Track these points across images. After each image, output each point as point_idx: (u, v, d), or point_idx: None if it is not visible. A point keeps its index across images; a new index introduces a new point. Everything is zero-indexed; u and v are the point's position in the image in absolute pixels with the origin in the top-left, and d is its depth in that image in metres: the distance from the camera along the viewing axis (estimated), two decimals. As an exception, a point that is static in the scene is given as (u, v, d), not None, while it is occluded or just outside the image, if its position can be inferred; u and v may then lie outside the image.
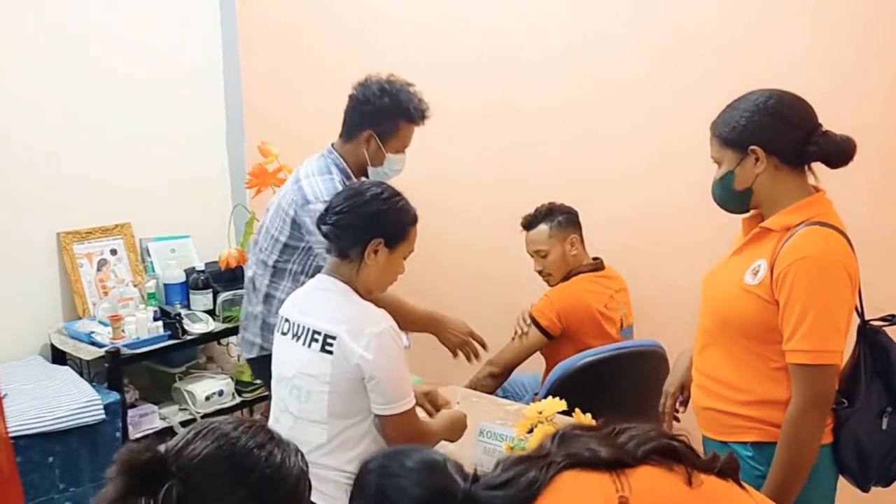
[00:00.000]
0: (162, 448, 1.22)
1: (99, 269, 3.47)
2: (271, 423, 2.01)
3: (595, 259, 2.89)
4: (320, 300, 2.00)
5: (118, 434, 2.98)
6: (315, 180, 2.53)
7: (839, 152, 1.80)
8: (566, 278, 2.85)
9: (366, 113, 2.56)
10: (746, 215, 1.96)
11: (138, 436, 3.18)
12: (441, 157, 3.40)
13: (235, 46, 3.97)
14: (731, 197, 1.89)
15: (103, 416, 2.90)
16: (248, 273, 2.78)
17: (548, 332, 2.75)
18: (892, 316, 1.89)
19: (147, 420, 3.23)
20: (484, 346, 2.68)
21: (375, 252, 1.95)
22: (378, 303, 2.19)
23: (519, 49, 3.25)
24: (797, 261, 1.73)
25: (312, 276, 2.41)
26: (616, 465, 1.33)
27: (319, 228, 2.02)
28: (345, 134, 2.62)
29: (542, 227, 2.84)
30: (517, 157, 3.33)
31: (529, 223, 2.88)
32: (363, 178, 2.47)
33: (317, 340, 1.93)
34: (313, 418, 1.94)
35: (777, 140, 1.80)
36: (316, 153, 2.65)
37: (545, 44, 3.19)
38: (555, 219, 2.84)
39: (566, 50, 3.15)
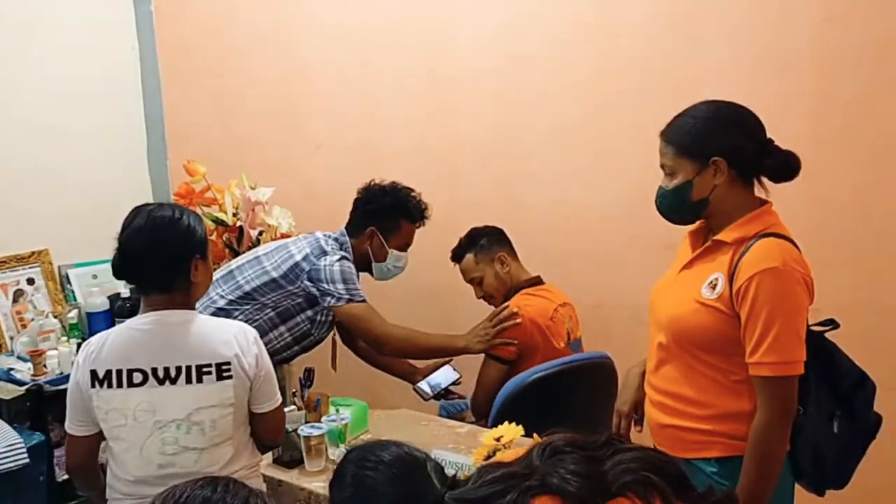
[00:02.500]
0: None
1: (15, 301, 3.29)
2: (159, 470, 1.93)
3: (535, 276, 2.87)
4: (182, 334, 1.95)
5: (42, 478, 2.81)
6: (332, 243, 2.78)
7: (789, 166, 1.81)
8: (508, 297, 2.81)
9: (368, 212, 2.82)
10: (691, 227, 1.96)
11: (66, 477, 3.01)
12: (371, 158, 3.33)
13: (155, 60, 3.81)
14: (684, 207, 1.86)
15: (27, 460, 2.72)
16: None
17: (504, 360, 2.71)
18: (832, 321, 1.90)
19: (75, 459, 3.04)
20: (513, 314, 2.72)
21: (196, 269, 1.97)
22: (392, 336, 2.71)
23: (448, 51, 3.20)
24: (758, 274, 1.72)
25: (281, 315, 2.74)
26: (587, 500, 1.26)
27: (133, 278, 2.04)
28: (350, 230, 2.85)
29: (469, 256, 2.88)
30: (454, 160, 3.27)
31: (456, 256, 2.93)
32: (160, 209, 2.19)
33: (208, 373, 1.93)
34: (222, 440, 1.97)
35: (737, 151, 1.80)
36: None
37: (476, 49, 3.14)
38: (477, 243, 2.88)
39: (497, 54, 3.10)
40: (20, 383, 2.94)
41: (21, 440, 2.73)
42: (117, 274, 2.01)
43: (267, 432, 2.09)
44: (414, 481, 1.39)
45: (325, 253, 2.71)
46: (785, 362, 1.72)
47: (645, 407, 2.02)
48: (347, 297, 2.67)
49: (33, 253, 3.37)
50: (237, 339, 1.97)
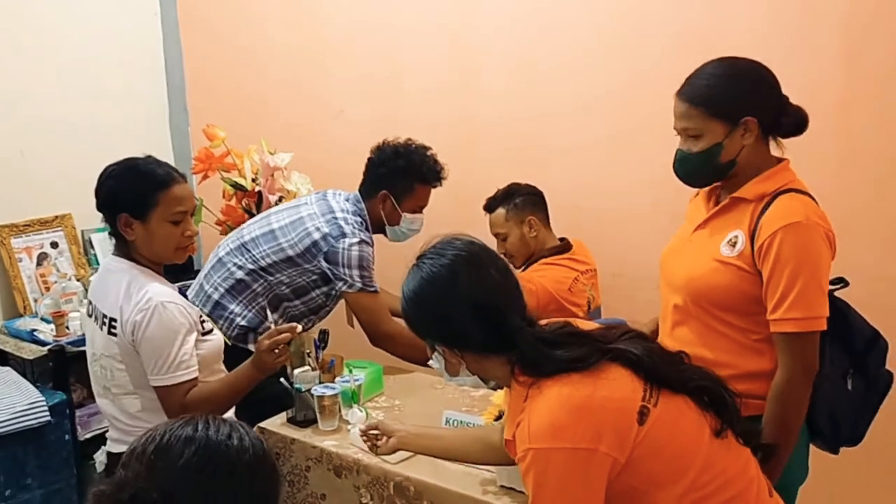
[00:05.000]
0: (129, 477, 1.11)
1: (39, 264, 3.33)
2: (98, 399, 2.15)
3: (561, 240, 2.81)
4: (107, 282, 2.07)
5: (67, 436, 2.86)
6: (350, 217, 2.67)
7: (802, 122, 1.80)
8: (529, 262, 2.77)
9: (381, 175, 2.72)
10: (706, 188, 1.94)
11: (88, 436, 3.08)
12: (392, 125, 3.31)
13: (176, 27, 3.82)
14: (711, 170, 1.82)
15: (49, 418, 2.77)
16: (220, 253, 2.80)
17: None
18: (841, 279, 1.88)
19: (97, 419, 3.09)
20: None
21: (130, 227, 2.00)
22: (384, 336, 2.64)
23: (473, 23, 3.16)
24: (781, 229, 1.70)
25: (295, 291, 2.70)
26: (656, 378, 1.45)
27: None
28: (363, 193, 2.77)
29: (500, 211, 2.79)
30: (475, 135, 3.24)
31: (489, 206, 2.82)
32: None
33: (105, 323, 2.03)
34: (125, 391, 2.06)
35: (764, 110, 1.77)
36: (337, 189, 2.80)
37: (501, 22, 3.10)
38: (513, 201, 2.77)
39: (522, 27, 3.06)
40: (43, 344, 2.99)
41: (43, 399, 2.78)
42: None
43: (164, 409, 2.01)
44: (504, 299, 1.52)
45: (344, 235, 2.62)
46: (809, 318, 1.71)
47: None
48: (360, 285, 2.62)
49: (56, 217, 3.41)
50: (125, 302, 1.98)
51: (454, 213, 3.20)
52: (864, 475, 2.47)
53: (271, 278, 2.68)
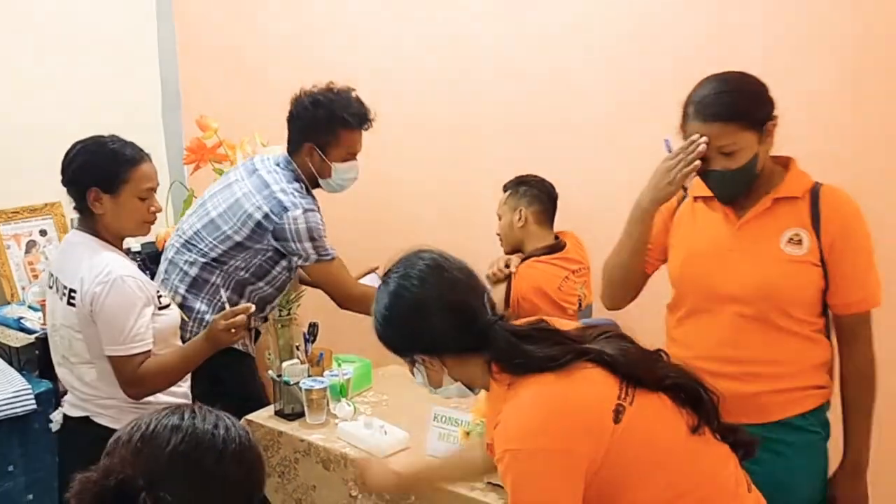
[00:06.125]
0: (115, 463, 1.10)
1: (27, 251, 3.32)
2: (57, 368, 2.22)
3: (556, 238, 2.82)
4: (69, 254, 2.13)
5: (50, 425, 2.83)
6: (287, 186, 2.54)
7: None
8: (523, 259, 2.77)
9: (301, 128, 2.57)
10: (690, 196, 1.97)
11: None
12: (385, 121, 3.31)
13: (170, 17, 3.80)
14: (748, 182, 1.81)
15: (34, 407, 2.76)
16: (169, 254, 2.71)
17: (508, 302, 2.68)
18: None
19: (82, 408, 3.07)
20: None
21: (99, 201, 2.06)
22: (350, 299, 2.58)
23: (470, 22, 3.16)
24: (850, 217, 1.79)
25: (255, 273, 2.60)
26: (631, 377, 1.46)
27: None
28: (290, 151, 2.62)
29: (506, 193, 2.80)
30: (476, 135, 3.24)
31: (505, 186, 2.83)
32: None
33: (66, 294, 2.07)
34: (82, 360, 2.11)
35: (771, 113, 1.80)
36: (269, 153, 2.69)
37: (498, 28, 3.09)
38: (518, 188, 2.77)
39: (521, 25, 3.06)
40: (30, 332, 2.97)
41: (29, 387, 2.77)
42: None
43: (117, 378, 2.06)
44: (471, 299, 1.55)
45: (285, 209, 2.49)
46: (877, 294, 1.83)
47: (714, 384, 1.77)
48: (315, 256, 2.55)
49: (46, 205, 3.39)
50: (86, 273, 2.03)
51: (454, 213, 3.22)
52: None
53: (227, 266, 2.58)
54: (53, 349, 2.21)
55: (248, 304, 2.13)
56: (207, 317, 2.58)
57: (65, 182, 2.11)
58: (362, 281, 2.74)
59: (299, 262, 2.59)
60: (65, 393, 3.01)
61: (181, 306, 2.58)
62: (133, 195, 2.07)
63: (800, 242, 1.79)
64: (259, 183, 2.57)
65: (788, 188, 1.81)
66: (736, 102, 1.78)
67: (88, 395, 2.13)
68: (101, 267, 2.02)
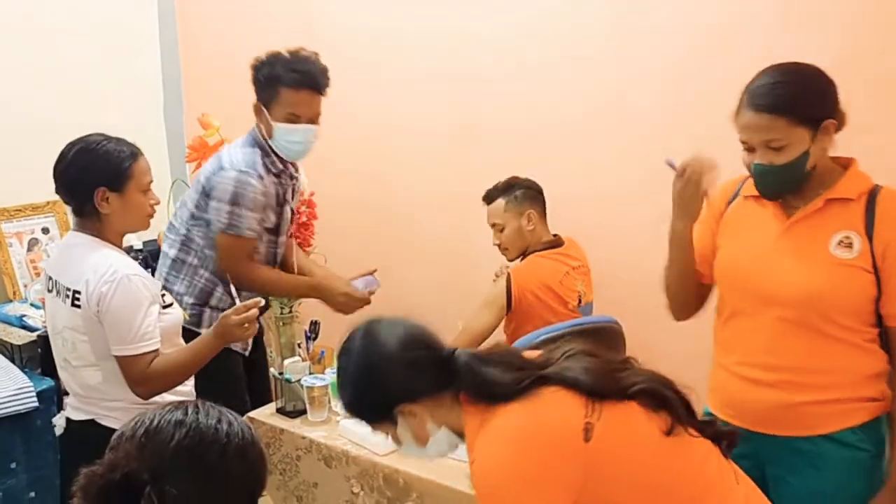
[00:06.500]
0: (120, 458, 1.11)
1: (30, 249, 3.32)
2: (60, 371, 2.19)
3: (555, 236, 2.83)
4: (70, 256, 2.09)
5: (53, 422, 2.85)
6: (235, 150, 2.51)
7: (843, 122, 1.75)
8: (523, 255, 2.79)
9: (256, 88, 2.54)
10: (739, 194, 1.89)
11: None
12: (387, 119, 3.31)
13: (172, 14, 3.80)
14: (796, 180, 1.73)
15: (36, 404, 2.76)
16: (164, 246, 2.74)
17: (510, 296, 2.68)
18: None
19: (84, 406, 3.08)
20: (368, 301, 2.65)
21: (106, 200, 2.02)
22: (256, 281, 2.50)
23: (472, 22, 3.16)
24: None
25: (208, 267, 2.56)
26: (596, 393, 1.44)
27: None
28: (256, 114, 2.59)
29: (500, 201, 2.78)
30: (476, 136, 3.24)
31: (488, 196, 2.82)
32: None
33: (69, 296, 2.04)
34: (86, 363, 2.07)
35: (836, 111, 1.71)
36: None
37: (499, 28, 3.09)
38: (513, 193, 2.77)
39: (521, 27, 3.06)
40: (32, 329, 2.98)
41: (31, 384, 2.78)
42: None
43: (125, 378, 2.03)
44: (424, 338, 1.54)
45: (222, 167, 2.43)
46: None
47: (756, 393, 1.82)
48: (226, 222, 2.46)
49: (48, 202, 3.39)
50: (90, 274, 2.00)
51: (454, 213, 3.23)
52: None
53: (194, 245, 2.58)
54: (56, 352, 2.18)
55: (259, 298, 2.12)
56: (185, 299, 2.59)
57: (65, 185, 2.07)
58: (358, 282, 2.72)
59: (215, 228, 2.50)
60: (67, 392, 3.07)
61: (164, 288, 2.60)
62: (137, 190, 2.07)
63: (850, 246, 1.70)
64: (220, 151, 2.59)
65: (843, 189, 1.73)
66: (790, 95, 1.69)
67: (91, 398, 2.11)
68: (106, 267, 2.00)
